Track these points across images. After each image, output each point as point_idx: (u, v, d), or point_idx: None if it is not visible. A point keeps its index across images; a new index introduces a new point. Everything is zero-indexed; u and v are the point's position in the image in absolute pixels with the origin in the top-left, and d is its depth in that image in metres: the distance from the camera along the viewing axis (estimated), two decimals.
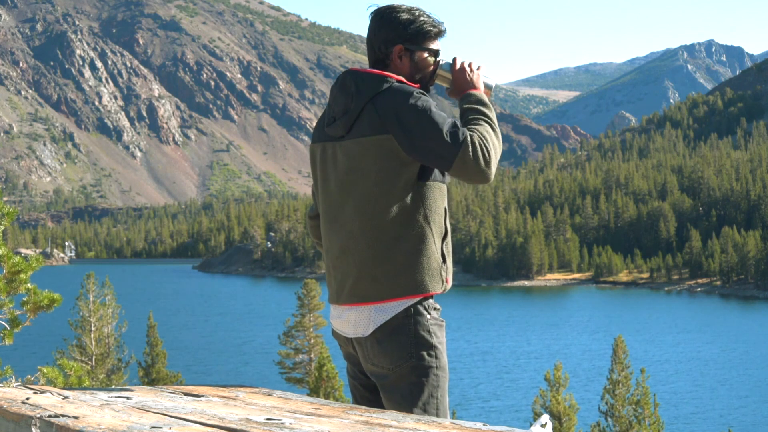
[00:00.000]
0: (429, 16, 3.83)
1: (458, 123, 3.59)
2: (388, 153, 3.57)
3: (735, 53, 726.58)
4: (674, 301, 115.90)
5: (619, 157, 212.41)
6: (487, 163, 3.53)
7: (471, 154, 3.50)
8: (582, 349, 69.72)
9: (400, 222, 3.60)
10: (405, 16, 3.78)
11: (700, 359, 65.21)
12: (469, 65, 3.86)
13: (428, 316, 3.63)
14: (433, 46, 3.84)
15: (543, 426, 3.58)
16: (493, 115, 3.69)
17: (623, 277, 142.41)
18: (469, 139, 3.52)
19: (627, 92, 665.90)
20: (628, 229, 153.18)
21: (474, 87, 3.80)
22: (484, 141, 3.55)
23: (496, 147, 3.59)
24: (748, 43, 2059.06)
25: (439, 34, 3.85)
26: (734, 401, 50.24)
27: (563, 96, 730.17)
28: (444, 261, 3.69)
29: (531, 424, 3.66)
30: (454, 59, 3.90)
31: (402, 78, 3.71)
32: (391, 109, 3.56)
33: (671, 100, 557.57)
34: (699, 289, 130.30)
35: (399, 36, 3.77)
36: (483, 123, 3.64)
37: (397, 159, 3.57)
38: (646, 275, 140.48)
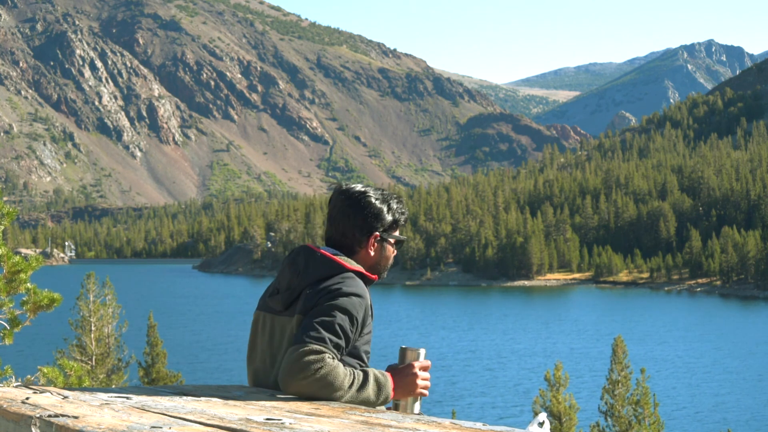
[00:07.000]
0: (399, 202, 3.75)
1: (344, 351, 3.44)
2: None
3: (735, 53, 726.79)
4: (674, 301, 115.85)
5: (619, 157, 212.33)
6: (303, 377, 3.31)
7: (304, 364, 3.32)
8: (581, 348, 69.70)
9: None
10: (380, 204, 3.69)
11: (699, 359, 65.22)
12: (424, 369, 3.60)
13: None
14: (400, 234, 3.77)
15: (540, 424, 3.58)
16: (372, 402, 3.44)
17: (623, 277, 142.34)
18: (325, 359, 3.33)
19: (627, 92, 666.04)
20: (628, 229, 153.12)
21: (405, 394, 3.57)
22: (329, 375, 3.32)
23: (322, 388, 3.33)
24: (748, 43, 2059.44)
25: (406, 221, 3.80)
26: (732, 399, 50.26)
27: (563, 96, 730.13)
28: None
29: (529, 423, 3.66)
30: (417, 354, 3.63)
31: (361, 269, 3.61)
32: (321, 298, 3.49)
33: (671, 100, 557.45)
34: (699, 289, 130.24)
35: (377, 224, 3.68)
36: (361, 386, 3.40)
37: None
38: (646, 275, 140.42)
